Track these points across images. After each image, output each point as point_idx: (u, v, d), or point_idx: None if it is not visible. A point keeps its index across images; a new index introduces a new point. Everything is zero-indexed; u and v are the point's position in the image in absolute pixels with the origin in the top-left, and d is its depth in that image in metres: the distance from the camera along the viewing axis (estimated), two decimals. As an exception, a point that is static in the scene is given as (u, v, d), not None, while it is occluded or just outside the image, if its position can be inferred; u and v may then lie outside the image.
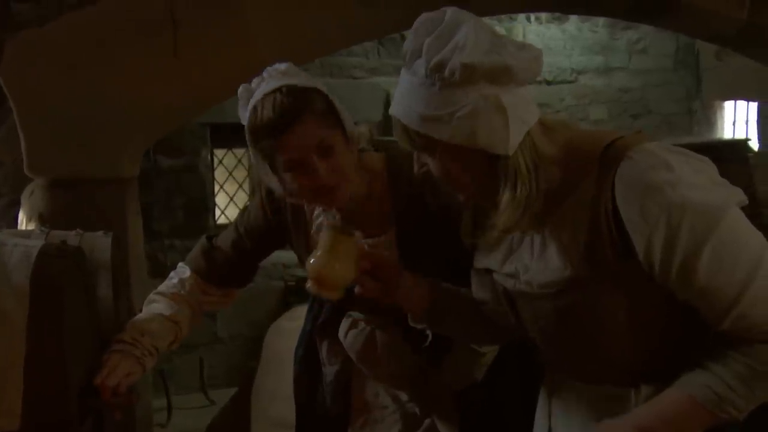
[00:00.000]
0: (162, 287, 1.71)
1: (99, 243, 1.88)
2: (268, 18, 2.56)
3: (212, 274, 1.70)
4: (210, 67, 2.54)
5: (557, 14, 4.60)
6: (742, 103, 5.11)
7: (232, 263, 1.70)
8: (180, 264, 1.75)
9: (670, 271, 1.05)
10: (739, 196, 1.07)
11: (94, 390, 1.43)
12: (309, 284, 1.31)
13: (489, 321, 1.36)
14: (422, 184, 1.45)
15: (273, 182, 1.47)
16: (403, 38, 4.40)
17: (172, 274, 1.74)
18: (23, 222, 2.54)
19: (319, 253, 1.31)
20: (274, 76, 1.41)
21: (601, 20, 4.79)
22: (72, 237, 1.89)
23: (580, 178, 1.09)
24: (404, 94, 1.13)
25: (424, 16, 1.12)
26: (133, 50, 2.46)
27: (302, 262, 1.68)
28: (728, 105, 5.22)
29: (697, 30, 3.38)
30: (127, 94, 2.47)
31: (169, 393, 3.62)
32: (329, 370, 1.81)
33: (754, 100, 4.80)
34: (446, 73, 1.06)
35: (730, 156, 4.37)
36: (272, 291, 3.99)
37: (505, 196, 1.11)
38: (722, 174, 1.09)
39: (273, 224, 1.65)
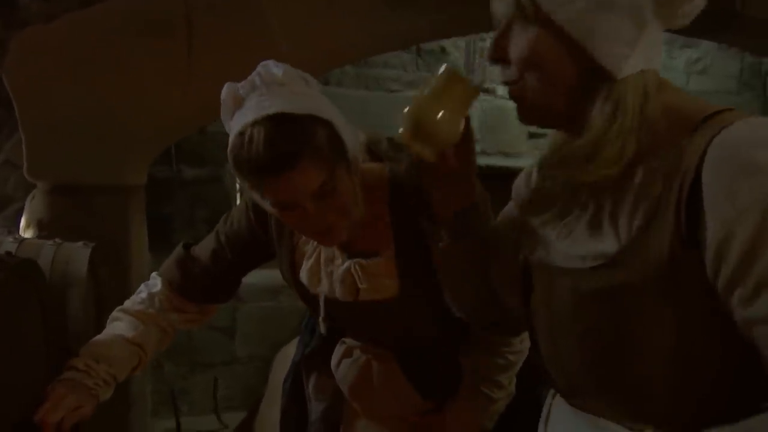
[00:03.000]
0: (128, 303, 1.52)
1: (76, 255, 1.73)
2: (291, 21, 2.40)
3: (187, 287, 1.51)
4: (227, 72, 2.36)
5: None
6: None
7: (210, 276, 1.50)
8: (153, 274, 1.55)
9: (743, 280, 0.78)
10: None
11: (35, 427, 1.24)
12: (401, 131, 0.98)
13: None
14: (425, 198, 1.24)
15: (265, 205, 1.25)
16: (442, 50, 4.24)
17: (141, 286, 1.54)
18: (23, 228, 2.42)
19: (425, 93, 0.98)
20: (268, 91, 1.18)
21: (658, 38, 4.50)
22: (48, 246, 1.75)
23: (667, 143, 0.87)
24: None
25: None
26: (144, 52, 2.33)
27: (285, 277, 1.50)
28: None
29: (764, 47, 3.10)
30: (135, 98, 2.35)
31: (179, 414, 3.45)
32: (315, 407, 1.62)
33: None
34: None
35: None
36: (297, 311, 3.79)
37: (600, 123, 0.88)
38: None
39: (258, 233, 1.46)
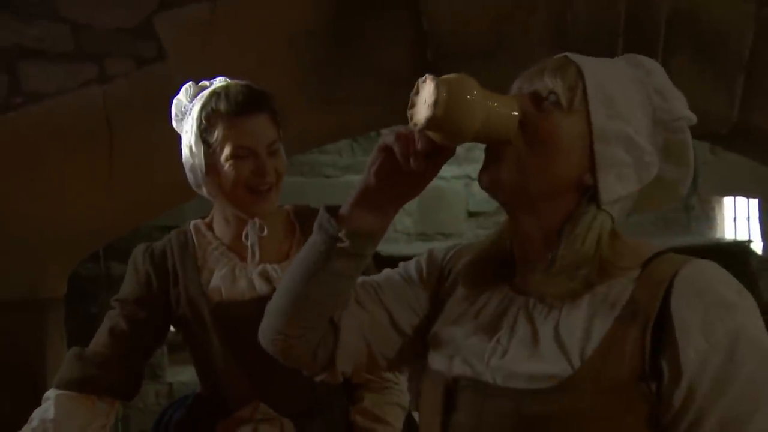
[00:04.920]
0: None
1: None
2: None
3: (90, 379, 1.41)
4: (149, 175, 2.31)
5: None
6: (742, 199, 4.88)
7: (112, 359, 1.43)
8: (45, 395, 1.44)
9: (708, 414, 0.80)
10: None
11: None
12: (435, 78, 0.85)
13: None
14: None
15: (198, 165, 1.43)
16: (378, 134, 4.25)
17: (33, 414, 1.42)
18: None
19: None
20: (229, 79, 1.47)
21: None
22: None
23: (609, 277, 0.89)
24: (603, 64, 0.93)
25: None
26: (63, 158, 2.25)
27: (193, 300, 1.45)
28: (727, 201, 4.99)
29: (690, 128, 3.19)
30: (55, 206, 2.25)
31: None
32: None
33: (753, 197, 4.56)
34: (663, 105, 0.91)
35: (731, 260, 4.15)
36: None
37: (589, 244, 0.89)
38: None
39: (153, 287, 1.47)
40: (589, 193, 0.90)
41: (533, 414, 0.86)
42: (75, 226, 2.29)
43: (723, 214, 4.95)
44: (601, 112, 0.89)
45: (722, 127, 2.63)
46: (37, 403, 2.14)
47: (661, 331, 0.83)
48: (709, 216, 4.92)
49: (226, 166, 1.39)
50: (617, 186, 0.90)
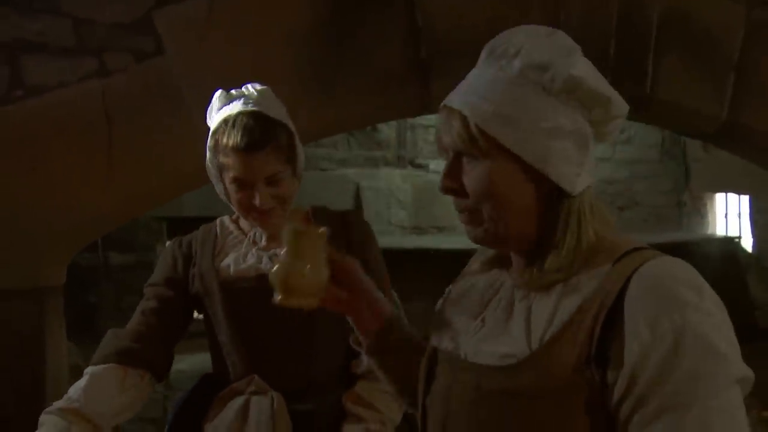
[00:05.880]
0: (55, 404, 1.41)
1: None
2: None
3: (125, 350, 1.47)
4: (148, 167, 2.35)
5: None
6: (733, 196, 4.93)
7: (145, 333, 1.51)
8: (85, 370, 1.48)
9: (647, 401, 0.82)
10: (748, 373, 0.85)
11: None
12: (277, 297, 1.03)
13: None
14: (346, 223, 1.61)
15: (215, 180, 1.54)
16: (373, 128, 4.29)
17: (71, 388, 1.45)
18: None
19: (282, 258, 1.05)
20: (252, 98, 1.51)
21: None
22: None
23: (589, 268, 0.91)
24: (476, 88, 0.94)
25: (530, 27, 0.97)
26: (63, 150, 2.28)
27: (204, 280, 1.56)
28: (719, 197, 5.04)
29: (679, 127, 3.23)
30: (54, 197, 2.28)
31: None
32: None
33: (744, 194, 4.61)
34: (546, 77, 0.92)
35: (720, 256, 4.20)
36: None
37: (570, 237, 0.93)
38: (713, 277, 0.90)
39: (179, 269, 1.59)
40: (555, 194, 0.93)
41: (490, 389, 0.91)
42: (74, 217, 2.32)
43: (714, 211, 4.99)
44: (507, 134, 0.91)
45: (712, 126, 2.68)
46: (37, 389, 2.20)
47: (612, 323, 0.85)
48: (700, 212, 4.96)
49: (229, 188, 1.51)
50: (569, 168, 0.92)
